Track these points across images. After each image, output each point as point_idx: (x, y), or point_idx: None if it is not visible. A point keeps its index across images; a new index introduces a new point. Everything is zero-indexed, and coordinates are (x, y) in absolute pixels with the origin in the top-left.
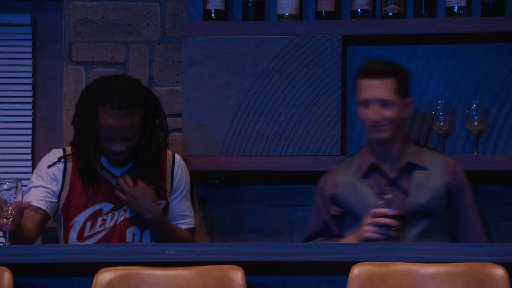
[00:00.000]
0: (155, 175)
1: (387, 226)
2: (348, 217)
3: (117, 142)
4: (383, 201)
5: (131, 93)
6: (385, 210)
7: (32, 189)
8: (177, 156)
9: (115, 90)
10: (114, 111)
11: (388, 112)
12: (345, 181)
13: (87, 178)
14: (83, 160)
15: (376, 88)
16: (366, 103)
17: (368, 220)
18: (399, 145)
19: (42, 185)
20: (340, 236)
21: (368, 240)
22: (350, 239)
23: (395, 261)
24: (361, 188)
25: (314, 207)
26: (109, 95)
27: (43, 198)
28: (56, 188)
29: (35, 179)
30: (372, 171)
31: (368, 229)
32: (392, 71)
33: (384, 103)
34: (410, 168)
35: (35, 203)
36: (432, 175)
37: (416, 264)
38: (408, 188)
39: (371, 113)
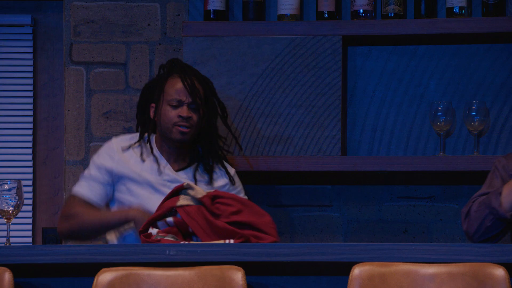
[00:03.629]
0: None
1: None
2: None
3: (184, 108)
4: None
5: (195, 71)
6: None
7: None
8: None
9: (181, 66)
10: (182, 76)
11: None
12: None
13: None
14: None
15: None
16: None
17: None
18: None
19: None
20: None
21: None
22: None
23: (396, 261)
24: None
25: (487, 180)
26: (175, 68)
27: None
28: None
29: None
30: None
31: None
32: None
33: None
34: None
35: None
36: None
37: (417, 264)
38: None
39: None
